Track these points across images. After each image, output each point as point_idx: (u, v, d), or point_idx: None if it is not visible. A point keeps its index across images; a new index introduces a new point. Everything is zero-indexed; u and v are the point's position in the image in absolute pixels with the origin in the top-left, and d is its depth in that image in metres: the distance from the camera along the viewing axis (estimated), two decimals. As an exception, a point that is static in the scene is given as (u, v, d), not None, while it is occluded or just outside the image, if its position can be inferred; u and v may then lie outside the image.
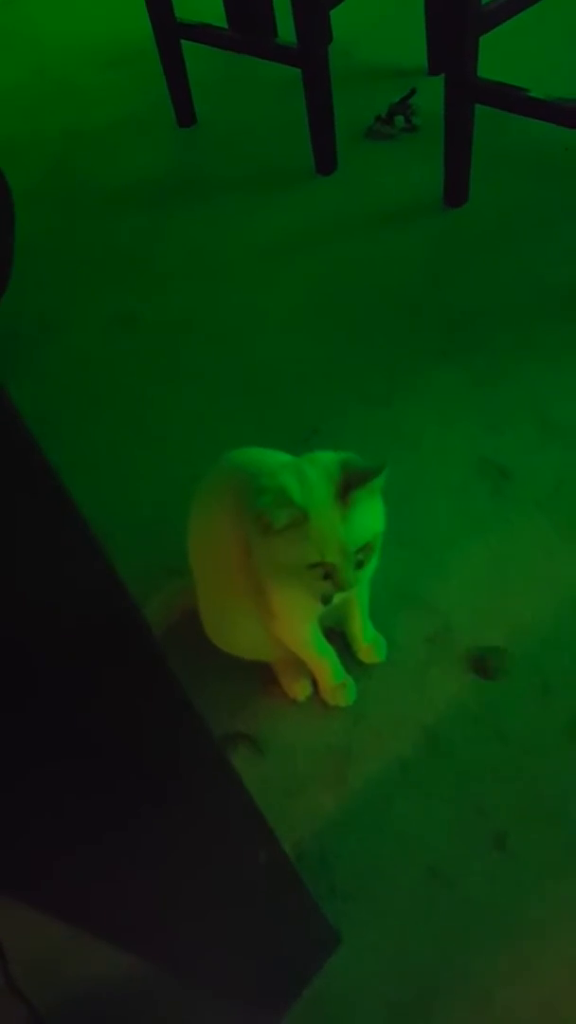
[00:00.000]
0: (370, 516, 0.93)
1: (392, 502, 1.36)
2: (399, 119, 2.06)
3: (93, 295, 1.88)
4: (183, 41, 2.13)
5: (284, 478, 0.91)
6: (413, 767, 1.10)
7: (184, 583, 1.18)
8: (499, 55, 1.77)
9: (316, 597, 0.96)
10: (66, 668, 0.49)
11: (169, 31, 2.12)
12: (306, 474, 0.91)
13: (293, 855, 1.05)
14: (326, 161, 2.00)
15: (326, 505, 0.89)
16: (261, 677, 1.20)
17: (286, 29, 1.91)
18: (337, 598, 0.98)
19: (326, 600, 0.97)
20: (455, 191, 1.82)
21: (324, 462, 0.93)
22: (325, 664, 1.14)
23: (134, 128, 2.33)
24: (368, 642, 1.18)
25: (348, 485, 0.90)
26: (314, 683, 1.18)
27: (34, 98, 2.55)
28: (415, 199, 1.89)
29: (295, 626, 1.08)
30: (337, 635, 1.19)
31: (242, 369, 1.64)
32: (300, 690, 1.17)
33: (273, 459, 1.02)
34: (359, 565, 0.93)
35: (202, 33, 2.10)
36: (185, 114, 2.28)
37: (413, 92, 2.09)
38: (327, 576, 0.92)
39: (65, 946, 0.94)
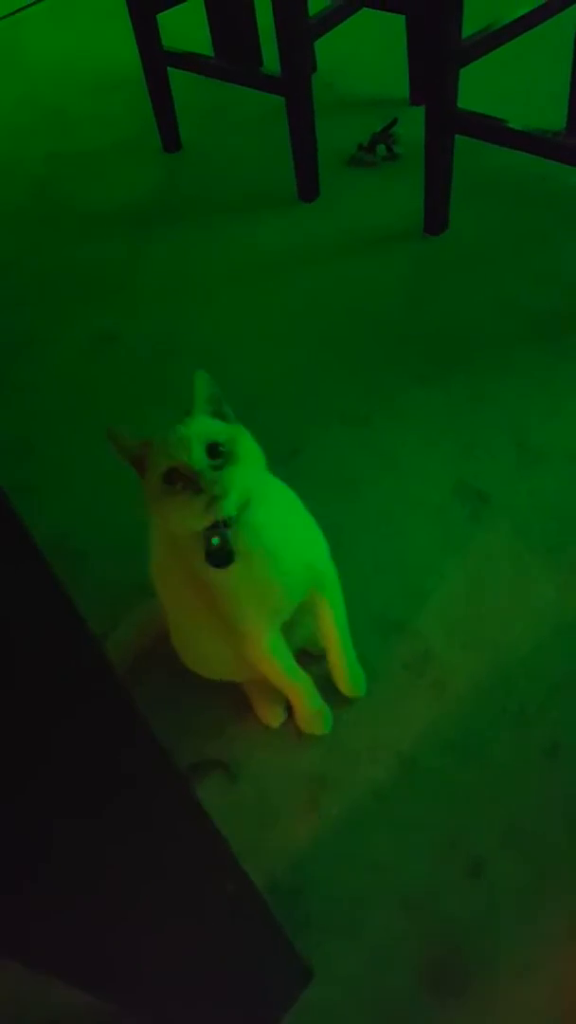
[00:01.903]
0: (213, 423, 0.94)
1: (370, 524, 1.37)
2: (381, 148, 2.09)
3: (75, 314, 1.88)
4: (170, 69, 2.15)
5: None
6: (388, 795, 1.08)
7: (158, 605, 1.17)
8: (479, 86, 1.80)
9: (201, 526, 0.92)
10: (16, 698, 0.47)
11: (156, 59, 2.14)
12: None
13: (265, 885, 1.03)
14: (308, 188, 2.01)
15: (173, 423, 0.93)
16: (236, 702, 1.18)
17: (271, 58, 1.93)
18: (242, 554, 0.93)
19: (211, 532, 0.92)
20: (435, 218, 1.84)
21: None
22: (297, 687, 1.12)
23: (120, 153, 2.35)
24: (349, 674, 1.16)
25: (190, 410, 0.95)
26: (289, 709, 1.16)
27: (22, 122, 2.57)
28: (396, 226, 1.91)
29: (253, 637, 1.04)
30: (314, 662, 1.17)
31: (222, 389, 1.63)
32: (273, 716, 1.15)
33: None
34: (216, 468, 0.90)
35: (188, 61, 2.12)
36: (171, 140, 2.30)
37: (395, 122, 2.11)
38: (188, 485, 0.89)
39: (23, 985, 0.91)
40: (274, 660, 1.08)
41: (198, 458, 0.89)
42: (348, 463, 1.46)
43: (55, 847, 0.54)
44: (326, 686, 1.16)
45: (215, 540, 0.92)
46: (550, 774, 1.06)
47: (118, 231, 2.08)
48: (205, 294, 1.86)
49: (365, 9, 2.10)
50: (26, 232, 2.13)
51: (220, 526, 0.92)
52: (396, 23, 2.19)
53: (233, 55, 2.30)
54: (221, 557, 0.93)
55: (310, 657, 1.18)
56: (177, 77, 2.16)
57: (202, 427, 0.92)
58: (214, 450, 0.90)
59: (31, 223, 2.16)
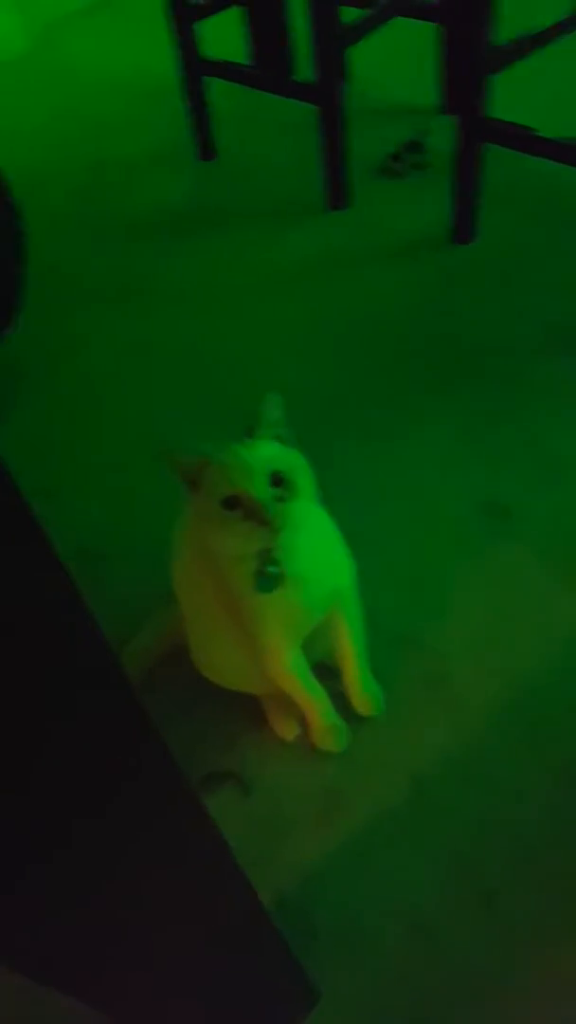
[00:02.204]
0: (276, 450, 0.92)
1: (390, 538, 1.36)
2: (411, 157, 2.07)
3: (108, 319, 1.90)
4: (206, 77, 2.16)
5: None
6: (401, 815, 1.07)
7: (179, 611, 1.17)
8: (511, 95, 1.77)
9: (251, 549, 0.92)
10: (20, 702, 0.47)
11: (194, 67, 2.15)
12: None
13: (274, 901, 1.03)
14: (338, 196, 2.01)
15: (228, 447, 0.91)
16: (252, 714, 1.18)
17: (306, 66, 1.93)
18: (289, 573, 0.94)
19: (265, 560, 0.92)
20: (463, 228, 1.82)
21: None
22: (314, 703, 1.12)
23: (157, 160, 2.37)
24: (365, 692, 1.15)
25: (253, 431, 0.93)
26: (305, 724, 1.16)
27: (64, 130, 2.61)
28: (424, 236, 1.90)
29: (276, 651, 1.05)
30: (330, 677, 1.17)
31: (248, 397, 1.63)
32: (288, 730, 1.15)
33: None
34: (279, 500, 0.89)
35: (225, 70, 2.13)
36: (206, 148, 2.31)
37: (426, 131, 2.10)
38: (250, 515, 0.89)
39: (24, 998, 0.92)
40: (293, 676, 1.08)
41: (262, 489, 0.88)
42: (369, 475, 1.45)
43: (56, 854, 0.54)
44: (342, 702, 1.15)
45: (272, 568, 0.92)
46: (564, 800, 1.04)
47: (153, 237, 2.10)
48: (235, 301, 1.87)
49: (398, 18, 2.09)
50: (66, 237, 2.16)
51: (271, 551, 0.92)
52: (428, 32, 2.17)
53: (268, 64, 2.31)
54: (273, 583, 0.93)
55: (327, 671, 1.17)
56: (213, 85, 2.17)
57: (266, 454, 0.90)
58: (277, 480, 0.89)
59: (72, 229, 2.19)
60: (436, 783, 1.08)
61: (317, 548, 0.98)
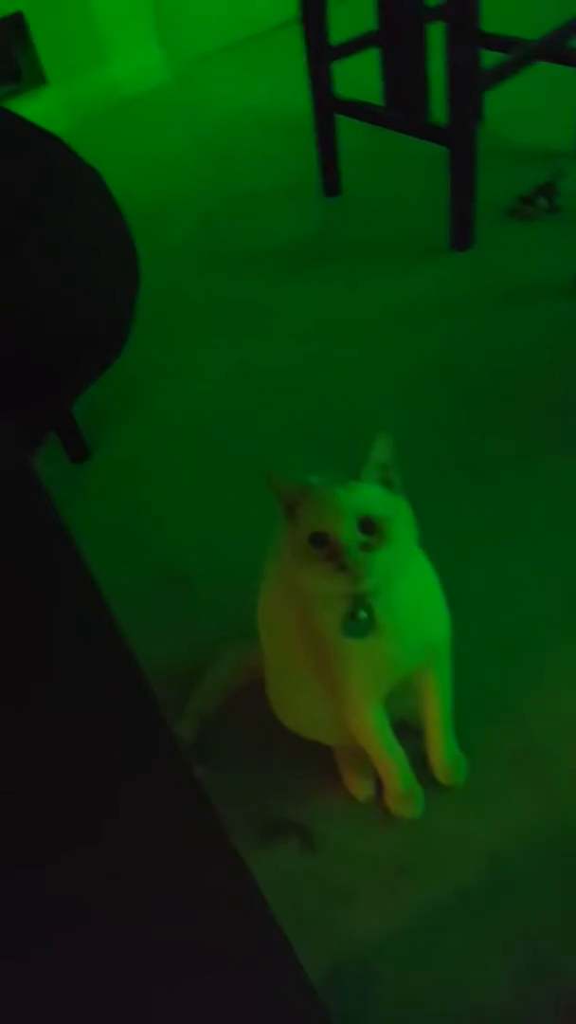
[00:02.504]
0: (376, 494, 0.87)
1: (488, 591, 1.29)
2: (542, 200, 2.01)
3: (219, 346, 1.91)
4: (339, 115, 2.18)
5: None
6: (474, 896, 0.99)
7: (258, 645, 1.14)
8: None
9: (332, 591, 0.88)
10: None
11: (327, 106, 2.17)
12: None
13: (328, 971, 0.96)
14: (463, 237, 1.97)
15: (330, 482, 0.87)
16: (327, 766, 1.13)
17: (438, 103, 1.91)
18: (384, 624, 0.90)
19: (358, 605, 0.88)
20: (595, 277, 1.74)
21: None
22: (392, 765, 1.05)
23: (283, 194, 2.39)
24: (448, 758, 1.08)
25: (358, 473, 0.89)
26: (379, 785, 1.09)
27: (195, 161, 2.68)
28: (549, 282, 1.83)
29: (358, 703, 1.00)
30: (412, 737, 1.10)
31: (349, 430, 1.61)
32: (361, 789, 1.09)
33: None
34: (365, 547, 0.84)
35: (358, 109, 2.14)
36: (331, 184, 2.32)
37: (559, 174, 2.04)
38: (331, 557, 0.85)
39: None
40: (374, 731, 1.03)
41: (349, 534, 0.84)
42: (468, 521, 1.38)
43: (88, 911, 0.51)
44: (421, 766, 1.09)
45: (363, 614, 0.88)
46: None
47: (272, 269, 2.11)
48: (347, 337, 1.85)
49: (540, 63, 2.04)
50: (188, 264, 2.20)
51: (364, 596, 0.88)
52: (567, 76, 2.12)
53: (402, 105, 2.30)
54: (362, 629, 0.89)
55: (408, 731, 1.11)
56: (344, 124, 2.18)
57: (363, 497, 0.87)
58: (368, 525, 0.85)
59: (195, 256, 2.24)
60: (518, 866, 1.00)
61: (414, 599, 0.93)
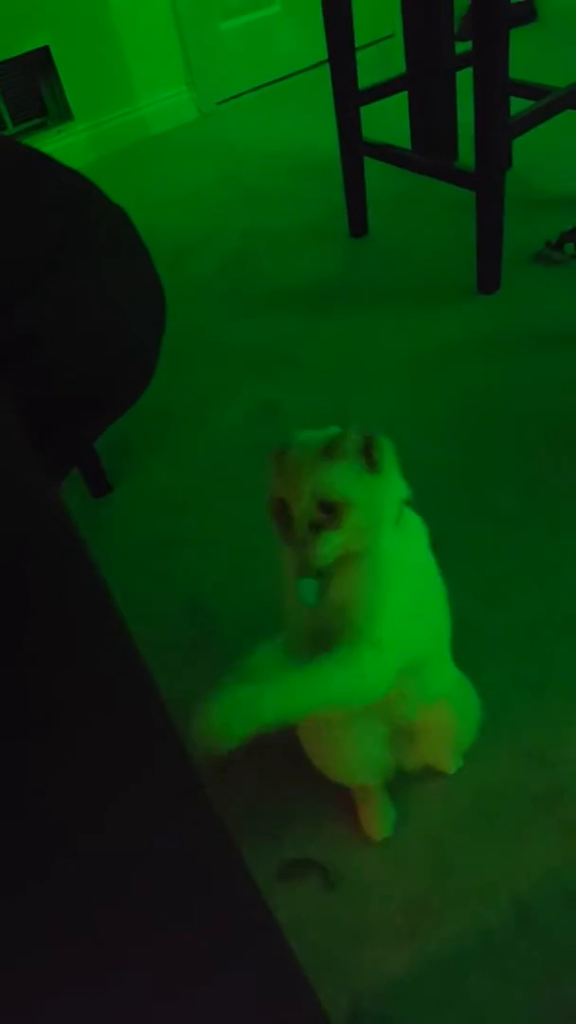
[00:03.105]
0: (344, 475, 0.85)
1: (513, 634, 1.29)
2: (569, 246, 2.04)
3: (244, 383, 1.94)
4: (366, 158, 2.22)
5: None
6: (497, 939, 0.98)
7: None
8: None
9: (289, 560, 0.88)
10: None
11: (355, 148, 2.21)
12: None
13: (348, 1012, 0.95)
14: (490, 281, 1.99)
15: (305, 452, 0.86)
16: (343, 802, 1.13)
17: (467, 148, 1.95)
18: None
19: (301, 571, 0.87)
20: (620, 322, 1.76)
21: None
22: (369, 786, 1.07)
23: (309, 234, 2.44)
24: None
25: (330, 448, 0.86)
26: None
27: (223, 199, 2.73)
28: (575, 327, 1.85)
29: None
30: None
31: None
32: (379, 830, 1.09)
33: None
34: (315, 527, 0.84)
35: (385, 152, 2.18)
36: (358, 225, 2.36)
37: (589, 221, 2.07)
38: (286, 526, 0.86)
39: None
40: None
41: (302, 508, 0.84)
42: (493, 564, 1.39)
43: (99, 940, 0.51)
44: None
45: (308, 580, 0.87)
46: None
47: (297, 308, 2.14)
48: (371, 377, 1.87)
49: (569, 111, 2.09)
50: (214, 301, 2.24)
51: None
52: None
53: (429, 149, 2.35)
54: (305, 594, 0.88)
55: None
56: (371, 165, 2.22)
57: (329, 476, 0.85)
58: (325, 505, 0.84)
59: (220, 293, 2.27)
60: (541, 909, 0.99)
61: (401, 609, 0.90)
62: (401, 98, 2.34)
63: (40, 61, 3.05)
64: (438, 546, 1.41)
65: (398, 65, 2.27)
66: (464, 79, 1.89)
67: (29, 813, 0.44)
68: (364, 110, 2.16)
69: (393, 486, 0.90)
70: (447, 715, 1.03)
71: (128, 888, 0.51)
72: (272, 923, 0.65)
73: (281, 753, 1.14)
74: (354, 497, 0.85)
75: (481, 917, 1.00)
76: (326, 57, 2.09)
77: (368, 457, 0.87)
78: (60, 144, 3.11)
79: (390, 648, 0.87)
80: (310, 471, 0.84)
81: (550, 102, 1.94)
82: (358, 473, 0.86)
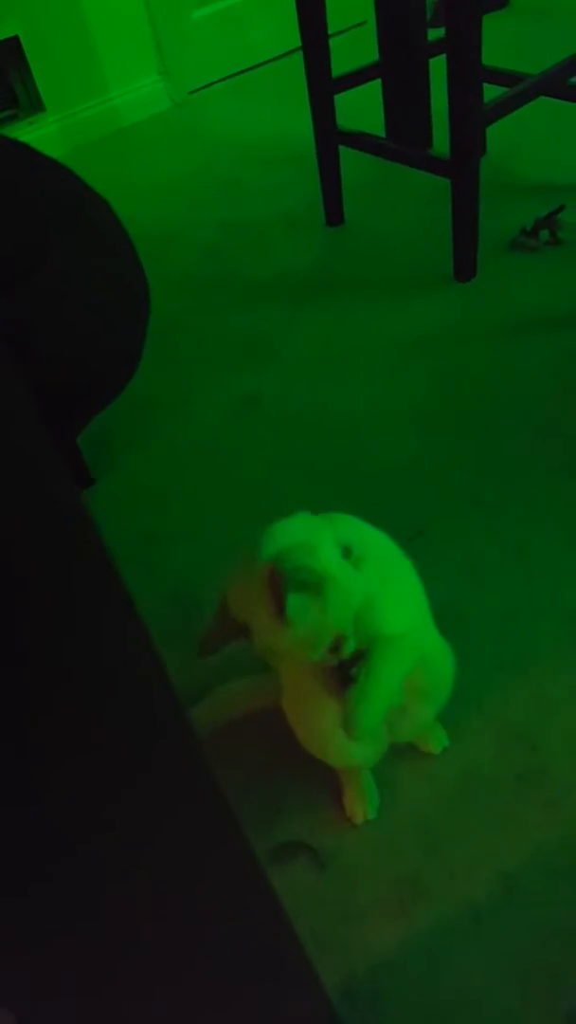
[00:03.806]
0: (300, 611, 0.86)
1: (496, 618, 1.31)
2: (544, 232, 2.06)
3: (224, 376, 1.94)
4: (341, 147, 2.22)
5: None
6: (485, 915, 1.00)
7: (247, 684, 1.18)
8: None
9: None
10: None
11: (330, 137, 2.22)
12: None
13: (342, 988, 0.97)
14: (466, 269, 2.01)
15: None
16: (332, 784, 1.14)
17: (441, 136, 1.96)
18: None
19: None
20: (596, 307, 1.79)
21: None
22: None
23: (285, 224, 2.44)
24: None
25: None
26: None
27: (197, 191, 2.72)
28: (553, 313, 1.87)
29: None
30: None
31: (355, 461, 1.63)
32: (360, 813, 1.11)
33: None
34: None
35: (360, 141, 2.19)
36: (334, 214, 2.36)
37: (562, 208, 2.09)
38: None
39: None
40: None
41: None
42: (476, 550, 1.41)
43: (106, 915, 0.52)
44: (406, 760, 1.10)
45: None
46: None
47: (275, 299, 2.15)
48: (351, 367, 1.88)
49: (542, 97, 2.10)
50: (192, 294, 2.23)
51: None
52: (569, 111, 2.18)
53: (404, 137, 2.35)
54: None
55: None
56: (346, 154, 2.23)
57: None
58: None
59: (198, 286, 2.27)
60: (527, 884, 1.02)
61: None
62: (375, 86, 2.34)
63: (10, 52, 3.01)
64: (423, 535, 1.44)
65: (371, 53, 2.27)
66: (438, 66, 1.89)
67: (27, 813, 0.45)
68: (338, 98, 2.16)
69: (339, 587, 0.88)
70: (431, 674, 1.05)
71: (134, 872, 0.52)
72: (277, 905, 0.66)
73: (270, 739, 1.15)
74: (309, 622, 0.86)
75: (469, 893, 1.02)
76: (299, 45, 2.09)
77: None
78: (32, 135, 3.08)
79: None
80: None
81: (524, 89, 1.95)
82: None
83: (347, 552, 0.90)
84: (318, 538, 0.89)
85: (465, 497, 1.51)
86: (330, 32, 2.06)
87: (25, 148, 1.42)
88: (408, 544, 1.05)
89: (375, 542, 0.98)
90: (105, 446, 1.79)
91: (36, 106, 3.13)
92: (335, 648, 0.90)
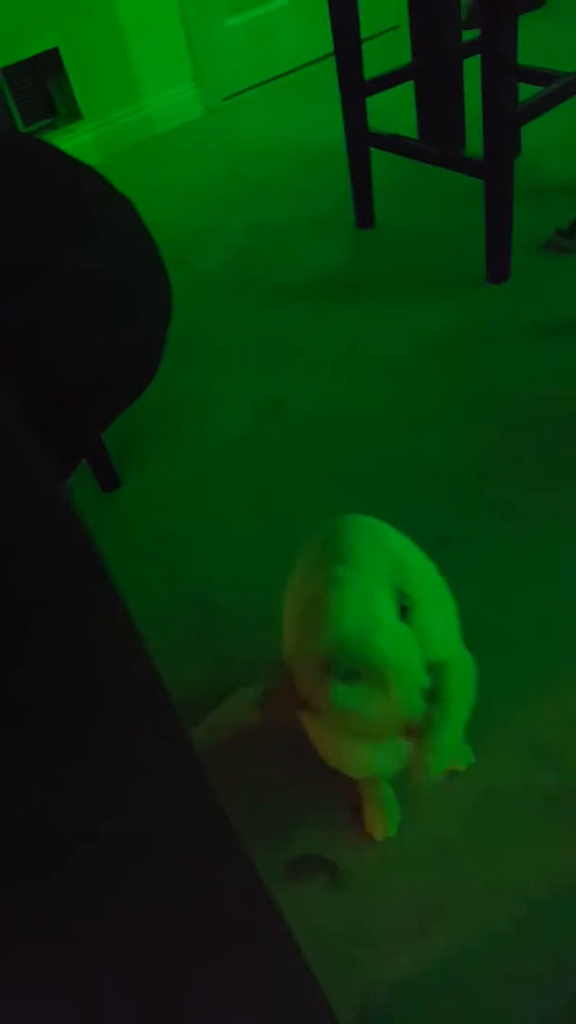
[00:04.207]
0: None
1: (522, 629, 1.27)
2: (581, 233, 2.01)
3: (249, 377, 1.92)
4: (372, 149, 2.20)
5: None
6: (507, 941, 0.96)
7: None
8: None
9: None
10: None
11: (361, 139, 2.19)
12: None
13: (358, 1011, 0.94)
14: (499, 270, 1.97)
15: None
16: (351, 799, 1.11)
17: (474, 137, 1.92)
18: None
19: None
20: (632, 309, 1.73)
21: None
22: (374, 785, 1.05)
23: (315, 226, 2.42)
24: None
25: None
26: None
27: (226, 194, 2.72)
28: (588, 314, 1.82)
29: None
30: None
31: (380, 465, 1.60)
32: (381, 828, 1.07)
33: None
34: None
35: (392, 143, 2.16)
36: (365, 216, 2.34)
37: (598, 208, 2.04)
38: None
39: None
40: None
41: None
42: (501, 559, 1.36)
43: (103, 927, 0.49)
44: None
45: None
46: None
47: (304, 301, 2.13)
48: (376, 369, 1.85)
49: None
50: (220, 295, 2.22)
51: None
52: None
53: (437, 138, 2.32)
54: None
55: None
56: (377, 157, 2.20)
57: None
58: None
59: (226, 287, 2.26)
60: (551, 908, 0.97)
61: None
62: (407, 88, 2.31)
63: (49, 62, 3.06)
64: (448, 542, 1.40)
65: (404, 55, 2.25)
66: (471, 65, 1.86)
67: (22, 826, 0.43)
68: (370, 101, 2.13)
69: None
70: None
71: (131, 886, 0.50)
72: (280, 922, 0.63)
73: (288, 751, 1.12)
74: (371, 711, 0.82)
75: (490, 916, 0.98)
76: (331, 50, 2.07)
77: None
78: (69, 144, 3.12)
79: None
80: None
81: (559, 87, 1.91)
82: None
83: (403, 607, 0.84)
84: (377, 607, 0.82)
85: (492, 503, 1.46)
86: (363, 36, 2.04)
87: (49, 147, 1.42)
88: (433, 552, 1.02)
89: (415, 564, 0.94)
90: (129, 447, 1.79)
91: (74, 115, 3.17)
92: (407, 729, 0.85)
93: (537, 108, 1.88)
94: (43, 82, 3.12)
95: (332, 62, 2.10)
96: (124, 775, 0.47)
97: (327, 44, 2.12)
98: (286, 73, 3.47)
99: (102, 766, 0.46)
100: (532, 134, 2.33)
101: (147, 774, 0.49)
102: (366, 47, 2.07)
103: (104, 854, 0.47)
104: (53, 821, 0.44)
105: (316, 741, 1.06)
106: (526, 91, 1.95)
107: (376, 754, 1.00)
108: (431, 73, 2.33)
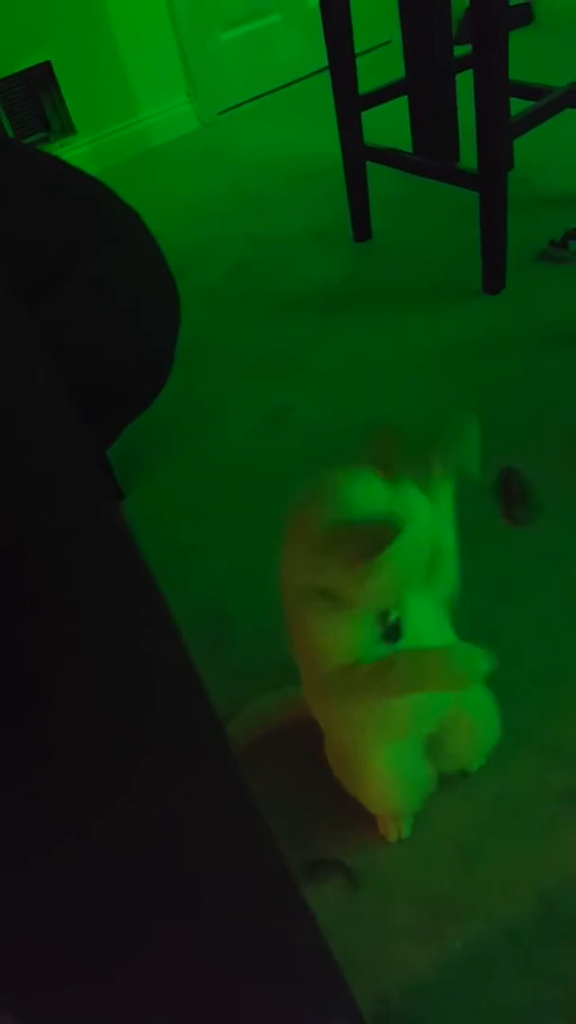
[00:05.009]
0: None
1: (531, 633, 1.29)
2: (573, 244, 2.05)
3: (255, 389, 1.94)
4: (368, 163, 2.23)
5: None
6: (524, 937, 0.98)
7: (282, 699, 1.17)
8: None
9: None
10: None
11: (357, 153, 2.22)
12: None
13: (376, 1013, 0.95)
14: (495, 281, 2.00)
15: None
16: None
17: (468, 150, 1.95)
18: None
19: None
20: (628, 318, 1.77)
21: None
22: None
23: (313, 239, 2.45)
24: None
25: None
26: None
27: (226, 207, 2.75)
28: (583, 323, 1.85)
29: None
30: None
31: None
32: (395, 831, 1.09)
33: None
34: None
35: (387, 156, 2.19)
36: (362, 229, 2.37)
37: (592, 219, 2.08)
38: None
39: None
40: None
41: None
42: (509, 564, 1.39)
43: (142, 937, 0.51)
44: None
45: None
46: None
47: (304, 313, 2.15)
48: (380, 379, 1.87)
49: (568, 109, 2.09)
50: (222, 309, 2.25)
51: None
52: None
53: (431, 151, 2.36)
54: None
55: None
56: (373, 170, 2.23)
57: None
58: None
59: (228, 300, 2.28)
60: (567, 905, 0.99)
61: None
62: (400, 103, 2.35)
63: (42, 77, 3.08)
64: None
65: (397, 70, 2.28)
66: (464, 81, 1.90)
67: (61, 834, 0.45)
68: (365, 115, 2.17)
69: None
70: (470, 708, 1.03)
71: (176, 890, 0.51)
72: (314, 924, 0.65)
73: (304, 755, 1.14)
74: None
75: (506, 915, 1.00)
76: (326, 64, 2.10)
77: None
78: (64, 158, 3.14)
79: None
80: None
81: (550, 101, 1.95)
82: None
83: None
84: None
85: (497, 508, 1.49)
86: (356, 51, 2.08)
87: (59, 161, 1.45)
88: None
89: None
90: (135, 459, 1.80)
91: (67, 129, 3.19)
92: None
93: (529, 122, 1.92)
94: (36, 96, 3.14)
95: (326, 76, 2.13)
96: (172, 778, 0.49)
97: (321, 58, 2.15)
98: (280, 87, 3.51)
99: (151, 768, 0.48)
100: (524, 147, 2.37)
101: (195, 779, 0.51)
102: (360, 61, 2.10)
103: (155, 856, 0.49)
104: (95, 831, 0.46)
105: (344, 781, 1.08)
106: (517, 105, 1.99)
107: (404, 774, 1.02)
108: (424, 88, 2.37)
